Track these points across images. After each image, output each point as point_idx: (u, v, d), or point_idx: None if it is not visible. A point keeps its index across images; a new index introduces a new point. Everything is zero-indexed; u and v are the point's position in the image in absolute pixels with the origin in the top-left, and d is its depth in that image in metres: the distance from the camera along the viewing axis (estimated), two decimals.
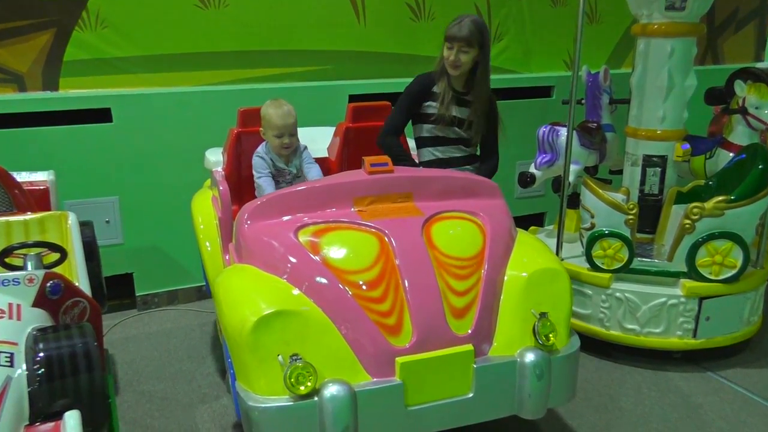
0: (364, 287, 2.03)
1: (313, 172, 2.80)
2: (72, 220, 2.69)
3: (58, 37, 3.50)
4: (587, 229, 3.22)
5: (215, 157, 3.19)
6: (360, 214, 2.24)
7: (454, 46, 2.77)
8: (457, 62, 2.78)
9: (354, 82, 4.13)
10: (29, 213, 2.72)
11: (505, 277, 2.21)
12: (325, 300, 2.01)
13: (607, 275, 3.13)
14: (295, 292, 2.03)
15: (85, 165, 3.55)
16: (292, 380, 1.85)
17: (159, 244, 3.81)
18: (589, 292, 3.20)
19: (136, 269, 3.82)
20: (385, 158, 2.35)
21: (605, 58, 4.95)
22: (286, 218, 2.22)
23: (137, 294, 3.84)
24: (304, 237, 2.15)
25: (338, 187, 2.28)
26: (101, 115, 3.55)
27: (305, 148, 2.88)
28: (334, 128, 3.36)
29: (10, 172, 2.90)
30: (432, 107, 2.88)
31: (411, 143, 3.18)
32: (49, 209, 2.88)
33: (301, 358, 1.88)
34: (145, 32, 3.64)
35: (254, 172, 2.79)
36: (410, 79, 2.99)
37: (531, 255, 2.31)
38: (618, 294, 3.12)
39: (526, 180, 3.59)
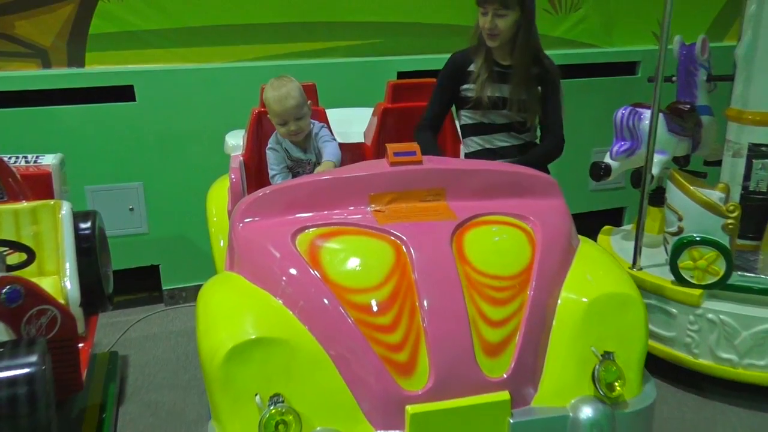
0: (372, 310, 1.59)
1: (329, 148, 2.35)
2: (65, 210, 2.39)
3: (82, 8, 3.22)
4: (673, 234, 2.64)
5: (235, 141, 2.82)
6: (376, 215, 1.79)
7: (488, 10, 2.29)
8: (494, 30, 2.29)
9: (404, 57, 3.66)
10: (23, 201, 2.44)
11: (558, 302, 1.71)
12: (320, 326, 1.58)
13: (698, 292, 2.55)
14: (285, 313, 1.62)
15: (106, 147, 3.27)
16: (270, 430, 1.45)
17: (187, 235, 3.51)
18: (674, 310, 2.62)
19: (163, 261, 3.54)
20: (413, 146, 1.89)
21: (704, 29, 4.24)
22: (285, 218, 1.81)
23: (164, 288, 3.56)
24: (303, 243, 1.73)
25: (351, 182, 1.84)
26: (124, 94, 3.26)
27: (322, 127, 2.45)
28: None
29: (9, 156, 2.65)
30: (470, 90, 2.41)
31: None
32: (51, 197, 2.60)
33: (283, 401, 1.48)
34: (176, 2, 3.31)
35: (268, 170, 2.40)
36: None
37: (595, 273, 1.79)
38: (711, 315, 2.53)
39: (600, 172, 3.02)
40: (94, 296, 2.42)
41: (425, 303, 1.58)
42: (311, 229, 1.76)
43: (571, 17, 3.98)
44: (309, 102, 2.41)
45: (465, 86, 2.43)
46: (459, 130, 2.59)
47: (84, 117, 3.20)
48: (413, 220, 1.76)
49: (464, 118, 2.49)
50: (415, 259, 1.65)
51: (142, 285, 3.63)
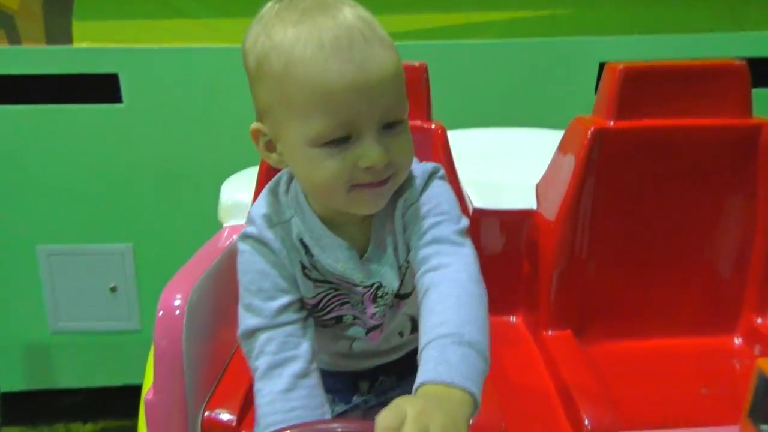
0: None
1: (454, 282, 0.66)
2: None
3: None
4: None
5: (243, 193, 1.29)
6: None
7: None
8: None
9: (613, 37, 1.97)
10: None
11: None
12: None
13: None
14: None
15: (73, 182, 1.91)
16: None
17: None
18: None
19: None
20: None
21: None
22: None
23: None
24: None
25: None
26: (106, 88, 1.87)
27: (436, 173, 0.77)
28: (560, 134, 1.28)
29: None
30: None
31: None
32: None
33: None
34: None
35: (239, 305, 0.78)
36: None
37: None
38: None
39: None
40: None
41: None
42: None
43: None
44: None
45: None
46: None
47: (36, 126, 1.86)
48: None
49: None
50: None
51: (131, 406, 2.24)
